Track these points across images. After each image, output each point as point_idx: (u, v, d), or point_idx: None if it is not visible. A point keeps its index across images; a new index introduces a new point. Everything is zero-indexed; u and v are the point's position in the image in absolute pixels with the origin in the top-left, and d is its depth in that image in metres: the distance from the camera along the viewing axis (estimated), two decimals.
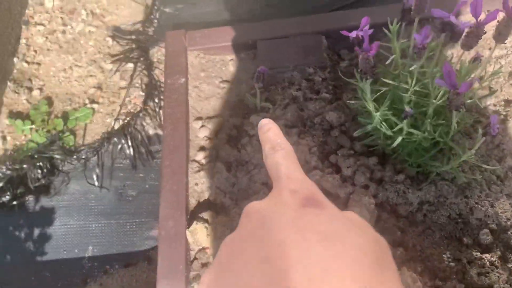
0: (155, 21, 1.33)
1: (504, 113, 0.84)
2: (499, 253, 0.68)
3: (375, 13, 1.01)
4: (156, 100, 1.20)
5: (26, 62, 1.32)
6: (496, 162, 0.76)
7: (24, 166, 1.10)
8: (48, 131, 1.19)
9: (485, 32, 0.52)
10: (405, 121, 0.64)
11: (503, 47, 0.92)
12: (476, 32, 0.51)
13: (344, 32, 0.60)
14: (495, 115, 0.55)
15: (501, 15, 0.53)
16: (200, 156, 0.96)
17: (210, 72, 1.08)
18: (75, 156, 1.14)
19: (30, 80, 1.29)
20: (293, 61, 1.02)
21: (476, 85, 0.64)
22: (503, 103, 0.85)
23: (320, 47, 1.02)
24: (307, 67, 1.00)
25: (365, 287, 0.27)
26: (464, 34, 0.53)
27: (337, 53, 1.05)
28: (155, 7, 1.34)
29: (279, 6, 1.26)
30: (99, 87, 1.26)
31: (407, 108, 0.61)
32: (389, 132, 0.69)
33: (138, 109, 1.21)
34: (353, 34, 0.59)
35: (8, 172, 1.10)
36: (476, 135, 0.60)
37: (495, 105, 0.84)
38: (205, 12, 1.31)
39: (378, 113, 0.68)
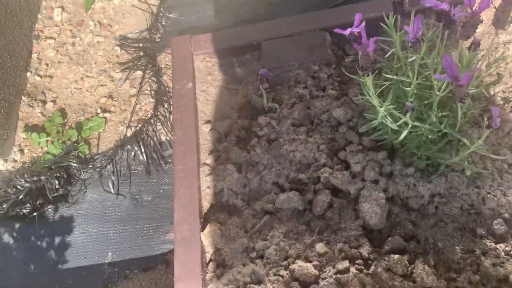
0: (161, 27, 1.35)
1: None
2: None
3: (378, 6, 1.00)
4: (166, 106, 1.21)
5: (39, 75, 1.35)
6: (507, 150, 0.74)
7: (42, 177, 1.13)
8: (63, 142, 1.22)
9: (482, 21, 0.52)
10: (408, 115, 0.64)
11: (511, 32, 0.90)
12: (472, 22, 0.51)
13: (338, 30, 0.60)
14: (497, 107, 0.54)
15: (497, 1, 0.53)
16: (211, 159, 0.97)
17: (216, 75, 1.09)
18: (90, 165, 1.17)
19: (43, 93, 1.32)
20: (298, 59, 1.02)
21: (477, 74, 0.63)
22: None
23: (325, 43, 1.02)
24: (312, 64, 1.00)
25: None
26: (460, 24, 0.53)
27: (342, 48, 1.04)
28: (161, 14, 1.35)
29: (282, 4, 1.26)
30: (110, 96, 1.28)
31: (407, 102, 0.61)
32: (394, 126, 0.68)
33: (149, 115, 1.23)
34: (347, 31, 0.59)
35: (27, 184, 1.13)
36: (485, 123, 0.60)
37: (504, 92, 0.83)
38: (209, 15, 1.32)
39: (382, 108, 0.68)
